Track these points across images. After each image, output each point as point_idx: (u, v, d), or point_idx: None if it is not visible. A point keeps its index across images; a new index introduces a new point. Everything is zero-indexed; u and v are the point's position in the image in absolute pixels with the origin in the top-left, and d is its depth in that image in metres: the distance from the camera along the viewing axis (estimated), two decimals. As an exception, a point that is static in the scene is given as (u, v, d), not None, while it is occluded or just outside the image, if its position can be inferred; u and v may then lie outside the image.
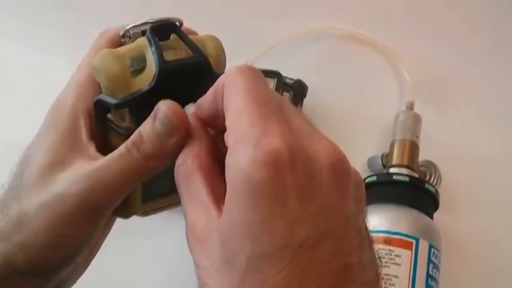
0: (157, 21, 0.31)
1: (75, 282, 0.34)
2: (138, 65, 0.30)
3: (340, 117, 0.57)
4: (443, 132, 0.57)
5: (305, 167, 0.23)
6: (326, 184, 0.23)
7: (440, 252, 0.47)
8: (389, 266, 0.44)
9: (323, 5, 0.63)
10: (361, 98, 0.59)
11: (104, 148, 0.31)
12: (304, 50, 0.60)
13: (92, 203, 0.29)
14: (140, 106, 0.30)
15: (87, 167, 0.29)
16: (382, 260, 0.45)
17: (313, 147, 0.24)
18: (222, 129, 0.26)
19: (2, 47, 0.63)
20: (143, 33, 0.31)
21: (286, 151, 0.23)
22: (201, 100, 0.28)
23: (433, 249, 0.46)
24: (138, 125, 0.29)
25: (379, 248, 0.45)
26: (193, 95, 0.29)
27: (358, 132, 0.57)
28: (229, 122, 0.25)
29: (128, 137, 0.29)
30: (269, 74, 0.55)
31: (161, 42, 0.30)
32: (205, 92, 0.28)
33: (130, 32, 0.32)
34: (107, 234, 0.35)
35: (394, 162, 0.51)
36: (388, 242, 0.45)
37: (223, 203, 0.24)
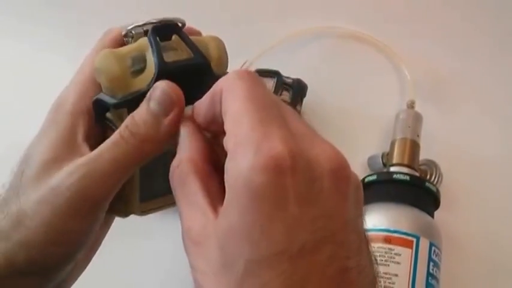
0: (159, 22, 0.31)
1: (75, 281, 0.34)
2: (139, 65, 0.30)
3: (340, 116, 0.57)
4: (444, 131, 0.57)
5: (306, 172, 0.23)
6: (327, 189, 0.23)
7: (441, 251, 0.47)
8: (389, 265, 0.44)
9: (323, 4, 0.63)
10: (361, 97, 0.59)
11: None
12: (303, 50, 0.60)
13: (86, 194, 0.29)
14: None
15: (81, 159, 0.29)
16: (382, 258, 0.45)
17: (314, 151, 0.24)
18: (219, 133, 0.27)
19: (3, 47, 0.64)
20: (146, 33, 0.31)
21: (287, 156, 0.23)
22: (198, 103, 0.28)
23: (433, 248, 0.46)
24: None
25: (379, 246, 0.45)
26: (194, 97, 0.29)
27: (359, 131, 0.57)
28: (228, 127, 0.25)
29: None
30: (269, 73, 0.55)
31: (163, 43, 0.30)
32: (205, 94, 0.28)
33: (133, 32, 0.32)
34: (106, 232, 0.35)
35: (394, 161, 0.51)
36: (388, 240, 0.45)
37: (220, 205, 0.24)
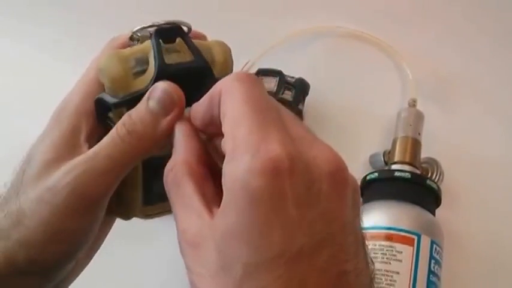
0: (163, 24, 0.31)
1: (75, 278, 0.34)
2: (141, 66, 0.31)
3: (342, 115, 0.57)
4: (446, 129, 0.57)
5: (304, 175, 0.23)
6: (325, 192, 0.23)
7: (442, 249, 0.48)
8: (390, 263, 0.45)
9: (324, 3, 0.63)
10: (363, 96, 0.59)
11: None
12: (305, 49, 0.60)
13: (83, 192, 0.29)
14: None
15: (78, 158, 0.29)
16: (384, 256, 0.45)
17: (312, 153, 0.24)
18: (216, 135, 0.27)
19: (3, 46, 0.64)
20: (151, 35, 0.32)
21: (285, 158, 0.23)
22: (195, 105, 0.28)
23: (435, 245, 0.46)
24: None
25: (381, 244, 0.45)
26: (193, 99, 0.29)
27: (361, 129, 0.57)
28: (227, 129, 0.24)
29: None
30: (271, 72, 0.55)
31: (166, 46, 0.31)
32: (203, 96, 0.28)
33: (138, 34, 0.32)
34: (107, 232, 0.35)
35: (396, 159, 0.51)
36: (389, 238, 0.45)
37: (216, 208, 0.24)
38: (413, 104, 0.55)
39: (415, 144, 0.52)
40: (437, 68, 0.60)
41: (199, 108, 0.27)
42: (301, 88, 0.55)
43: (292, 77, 0.55)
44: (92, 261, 0.35)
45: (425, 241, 0.46)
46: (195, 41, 0.32)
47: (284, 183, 0.22)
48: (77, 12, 0.64)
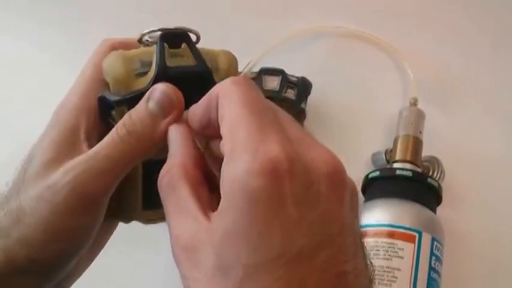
0: (169, 29, 0.31)
1: (75, 280, 0.34)
2: (145, 68, 0.31)
3: (344, 114, 0.58)
4: (447, 128, 0.57)
5: (303, 176, 0.23)
6: (324, 193, 0.23)
7: (443, 246, 0.48)
8: (392, 259, 0.45)
9: (326, 3, 0.63)
10: (365, 95, 0.59)
11: None
12: (307, 48, 0.60)
13: (83, 191, 0.29)
14: None
15: (78, 157, 0.29)
16: (385, 253, 0.45)
17: (310, 155, 0.24)
18: (213, 138, 0.27)
19: (3, 44, 0.64)
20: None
21: (284, 159, 0.23)
22: (193, 108, 0.28)
23: (435, 243, 0.47)
24: None
25: (382, 241, 0.46)
26: (192, 103, 0.29)
27: (362, 128, 0.57)
28: (225, 132, 0.24)
29: None
30: (274, 71, 0.55)
31: (172, 50, 0.31)
32: None
33: (146, 36, 0.32)
34: (109, 235, 0.35)
35: (397, 157, 0.52)
36: (391, 235, 0.46)
37: (211, 212, 0.24)
38: (414, 103, 0.55)
39: (417, 143, 0.52)
40: (438, 68, 0.60)
41: (197, 111, 0.27)
42: (303, 87, 0.55)
43: (295, 76, 0.55)
44: (93, 262, 0.35)
45: (426, 238, 0.46)
46: (201, 48, 0.32)
47: (283, 183, 0.22)
48: (77, 10, 0.64)
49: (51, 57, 0.61)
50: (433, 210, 0.50)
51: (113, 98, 0.31)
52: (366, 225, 0.47)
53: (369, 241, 0.46)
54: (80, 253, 0.31)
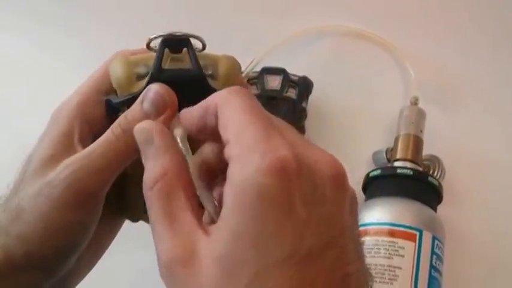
0: (172, 34, 0.32)
1: (79, 280, 0.34)
2: (146, 71, 0.32)
3: (345, 113, 0.58)
4: (447, 127, 0.57)
5: (309, 177, 0.24)
6: (328, 194, 0.24)
7: (444, 244, 0.48)
8: (393, 258, 0.45)
9: (327, 3, 0.63)
10: (366, 94, 0.59)
11: None
12: (309, 47, 0.60)
13: (79, 187, 0.29)
14: None
15: (74, 155, 0.30)
16: (386, 251, 0.45)
17: (314, 158, 0.24)
18: (204, 142, 0.27)
19: (3, 43, 0.64)
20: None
21: (292, 160, 0.23)
22: (188, 111, 0.28)
23: (436, 241, 0.47)
24: None
25: (383, 239, 0.46)
26: (187, 106, 0.30)
27: (364, 127, 0.57)
28: (231, 137, 0.25)
29: None
30: (275, 71, 0.55)
31: (173, 55, 0.32)
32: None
33: (154, 41, 0.33)
34: (114, 235, 0.36)
35: (398, 156, 0.52)
36: (392, 233, 0.46)
37: (201, 222, 0.24)
38: (415, 102, 0.55)
39: (417, 142, 0.52)
40: (440, 67, 0.60)
41: (193, 114, 0.28)
42: (304, 86, 0.56)
43: (296, 76, 0.55)
44: (98, 263, 0.35)
45: (427, 237, 0.46)
46: (204, 53, 0.32)
47: (292, 183, 0.23)
48: (77, 10, 0.64)
49: (51, 57, 0.62)
50: (434, 208, 0.50)
51: (116, 100, 0.32)
52: (367, 224, 0.47)
53: (369, 240, 0.46)
54: (79, 249, 0.31)
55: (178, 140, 0.29)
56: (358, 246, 0.25)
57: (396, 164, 0.52)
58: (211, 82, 0.31)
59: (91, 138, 0.32)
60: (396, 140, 0.53)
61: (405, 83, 0.59)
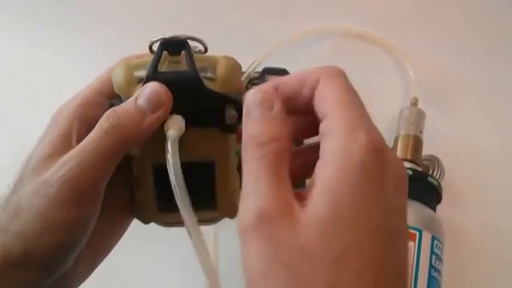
0: (171, 37, 0.32)
1: (83, 280, 0.34)
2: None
3: (345, 113, 0.58)
4: (447, 127, 0.57)
5: (394, 167, 0.26)
6: (401, 189, 0.26)
7: (443, 244, 0.48)
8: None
9: (328, 4, 0.63)
10: (366, 95, 0.58)
11: None
12: (309, 48, 0.61)
13: (75, 184, 0.30)
14: None
15: (69, 153, 0.31)
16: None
17: (391, 153, 0.26)
18: (292, 111, 0.28)
19: (3, 43, 0.64)
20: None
21: (385, 145, 0.26)
22: (282, 82, 0.28)
23: (436, 241, 0.47)
24: None
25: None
26: (182, 109, 0.30)
27: (363, 127, 0.58)
28: (331, 110, 0.26)
29: None
30: (276, 71, 0.55)
31: (171, 58, 0.32)
32: (195, 107, 0.30)
33: (155, 44, 0.33)
34: (120, 236, 0.36)
35: (398, 156, 0.52)
36: (392, 233, 0.46)
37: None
38: (415, 102, 0.55)
39: (417, 142, 0.53)
40: (439, 68, 0.60)
41: (290, 82, 0.28)
42: (305, 87, 0.56)
43: (297, 76, 0.56)
44: (105, 262, 0.35)
45: (426, 237, 0.47)
46: (203, 55, 0.33)
47: (386, 165, 0.25)
48: (77, 10, 0.64)
49: (51, 57, 0.62)
50: (433, 208, 0.50)
51: (118, 103, 0.32)
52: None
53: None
54: (78, 246, 0.32)
55: (169, 142, 0.30)
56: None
57: (396, 164, 0.52)
58: (208, 84, 0.31)
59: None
60: (396, 140, 0.53)
61: (405, 84, 0.59)
